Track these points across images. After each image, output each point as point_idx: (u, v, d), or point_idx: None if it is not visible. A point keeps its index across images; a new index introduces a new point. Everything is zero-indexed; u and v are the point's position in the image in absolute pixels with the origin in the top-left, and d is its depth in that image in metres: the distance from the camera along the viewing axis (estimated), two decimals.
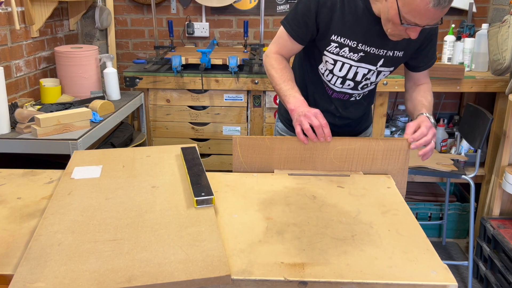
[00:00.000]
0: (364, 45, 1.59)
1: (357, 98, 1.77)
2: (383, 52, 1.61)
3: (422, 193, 3.19)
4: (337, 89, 1.73)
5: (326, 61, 1.66)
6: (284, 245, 1.12)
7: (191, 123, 3.01)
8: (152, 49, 3.53)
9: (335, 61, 1.64)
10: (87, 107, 2.39)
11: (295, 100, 1.57)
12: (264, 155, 1.55)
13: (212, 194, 1.27)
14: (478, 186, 2.93)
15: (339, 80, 1.70)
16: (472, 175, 2.58)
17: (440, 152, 3.05)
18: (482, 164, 2.98)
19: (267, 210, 1.29)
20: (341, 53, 1.62)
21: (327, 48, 1.62)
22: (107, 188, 1.35)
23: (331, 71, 1.68)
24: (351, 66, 1.64)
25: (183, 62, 2.86)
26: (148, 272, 0.98)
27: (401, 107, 3.38)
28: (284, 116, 1.90)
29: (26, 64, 2.66)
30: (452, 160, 2.70)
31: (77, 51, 2.68)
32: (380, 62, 1.64)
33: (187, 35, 3.48)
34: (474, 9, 3.20)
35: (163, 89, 2.93)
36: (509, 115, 2.50)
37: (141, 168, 1.49)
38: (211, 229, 1.14)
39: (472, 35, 2.99)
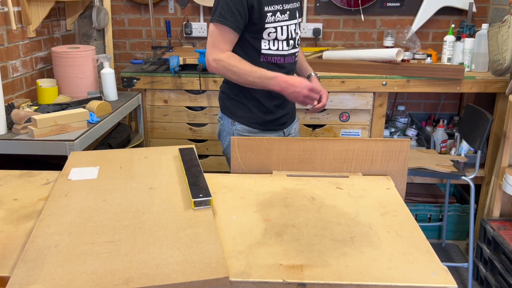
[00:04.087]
0: (285, 4, 1.86)
1: (297, 54, 2.02)
2: (294, 4, 1.90)
3: (422, 194, 3.19)
4: (286, 53, 1.92)
5: (269, 33, 1.85)
6: (283, 246, 1.11)
7: (189, 124, 3.00)
8: (149, 50, 3.52)
9: (276, 28, 1.85)
10: (84, 107, 2.38)
11: (274, 83, 1.78)
12: (263, 156, 1.54)
13: (210, 196, 1.26)
14: (478, 187, 2.92)
15: (285, 43, 1.90)
16: (472, 176, 2.57)
17: (440, 153, 3.04)
18: (482, 165, 2.97)
19: (265, 211, 1.28)
20: (276, 19, 1.84)
21: (266, 21, 1.82)
22: (105, 190, 1.34)
23: (275, 39, 1.87)
24: (287, 26, 1.88)
25: (181, 63, 2.85)
26: (145, 274, 0.98)
27: (401, 108, 3.37)
28: (246, 116, 1.98)
29: (22, 65, 2.65)
30: (452, 161, 2.69)
31: (74, 51, 2.67)
32: (297, 14, 1.93)
33: (185, 35, 3.47)
34: (474, 9, 3.20)
35: (160, 89, 2.92)
36: (509, 116, 2.49)
37: (138, 169, 1.49)
38: (209, 230, 1.13)
39: (472, 35, 2.98)
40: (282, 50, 1.90)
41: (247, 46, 1.87)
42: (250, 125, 1.98)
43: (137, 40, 3.54)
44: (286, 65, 1.94)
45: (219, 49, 1.80)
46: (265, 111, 1.97)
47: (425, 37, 3.39)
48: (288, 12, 1.87)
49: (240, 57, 1.85)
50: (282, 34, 1.87)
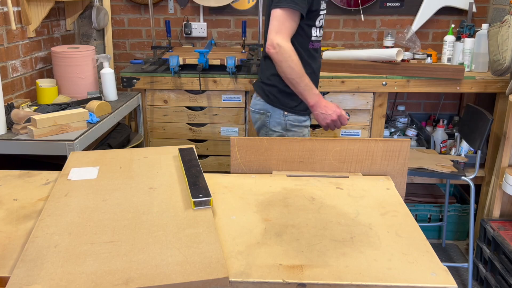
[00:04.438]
0: None
1: None
2: None
3: (422, 194, 3.18)
4: (320, 39, 2.10)
5: (319, 20, 2.00)
6: (283, 246, 1.11)
7: (188, 124, 2.99)
8: (149, 50, 3.52)
9: (323, 15, 2.02)
10: (84, 107, 2.38)
11: (314, 97, 1.93)
12: (263, 156, 1.54)
13: (210, 196, 1.26)
14: (478, 188, 2.92)
15: (321, 30, 2.07)
16: (472, 177, 2.57)
17: (440, 153, 3.04)
18: (482, 165, 2.97)
19: (265, 211, 1.28)
20: (324, 7, 2.01)
21: (321, 8, 1.97)
22: (104, 190, 1.34)
23: (321, 26, 2.04)
24: (324, 14, 2.05)
25: (181, 63, 2.85)
26: (145, 274, 0.97)
27: (400, 108, 3.37)
28: (296, 106, 2.07)
29: (22, 65, 2.64)
30: (452, 161, 2.69)
31: (74, 52, 2.67)
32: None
33: (184, 35, 3.47)
34: (474, 9, 3.19)
35: (160, 89, 2.91)
36: (509, 116, 2.49)
37: (138, 169, 1.48)
38: (209, 230, 1.13)
39: (472, 35, 2.98)
40: (320, 36, 2.08)
41: (299, 33, 1.96)
42: (300, 113, 2.08)
43: (137, 40, 3.53)
44: (319, 50, 2.12)
45: (285, 36, 1.87)
46: None
47: (425, 37, 3.39)
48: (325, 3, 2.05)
49: (292, 45, 1.92)
50: (323, 22, 2.04)
